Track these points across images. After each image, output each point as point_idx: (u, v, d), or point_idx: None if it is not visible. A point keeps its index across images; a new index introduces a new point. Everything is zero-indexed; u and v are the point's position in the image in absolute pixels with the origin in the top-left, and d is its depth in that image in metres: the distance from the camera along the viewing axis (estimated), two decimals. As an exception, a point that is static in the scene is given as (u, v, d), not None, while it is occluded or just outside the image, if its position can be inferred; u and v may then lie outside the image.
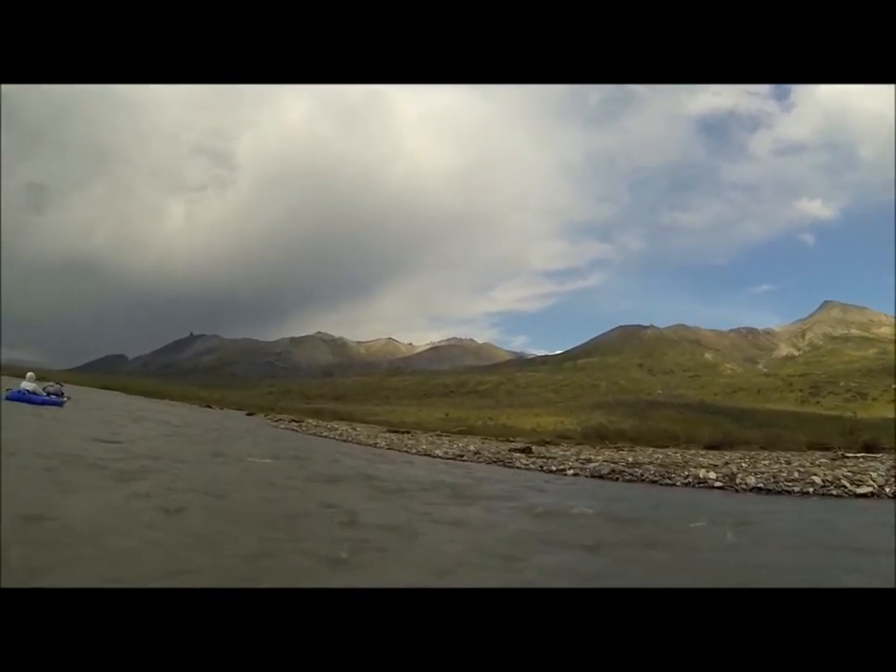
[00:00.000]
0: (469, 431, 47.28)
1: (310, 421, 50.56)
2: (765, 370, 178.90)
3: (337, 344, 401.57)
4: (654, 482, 15.89)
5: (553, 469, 19.16)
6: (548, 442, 34.73)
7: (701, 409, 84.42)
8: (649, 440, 38.84)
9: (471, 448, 27.08)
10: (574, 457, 23.13)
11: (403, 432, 40.22)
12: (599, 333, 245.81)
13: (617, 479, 16.63)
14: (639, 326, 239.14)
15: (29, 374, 27.20)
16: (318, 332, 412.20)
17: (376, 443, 28.67)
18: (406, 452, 24.84)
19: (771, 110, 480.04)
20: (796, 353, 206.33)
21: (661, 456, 24.76)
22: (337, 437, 31.60)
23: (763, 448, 30.75)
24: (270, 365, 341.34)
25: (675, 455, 26.31)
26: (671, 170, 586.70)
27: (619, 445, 33.82)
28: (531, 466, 20.34)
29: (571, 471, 18.27)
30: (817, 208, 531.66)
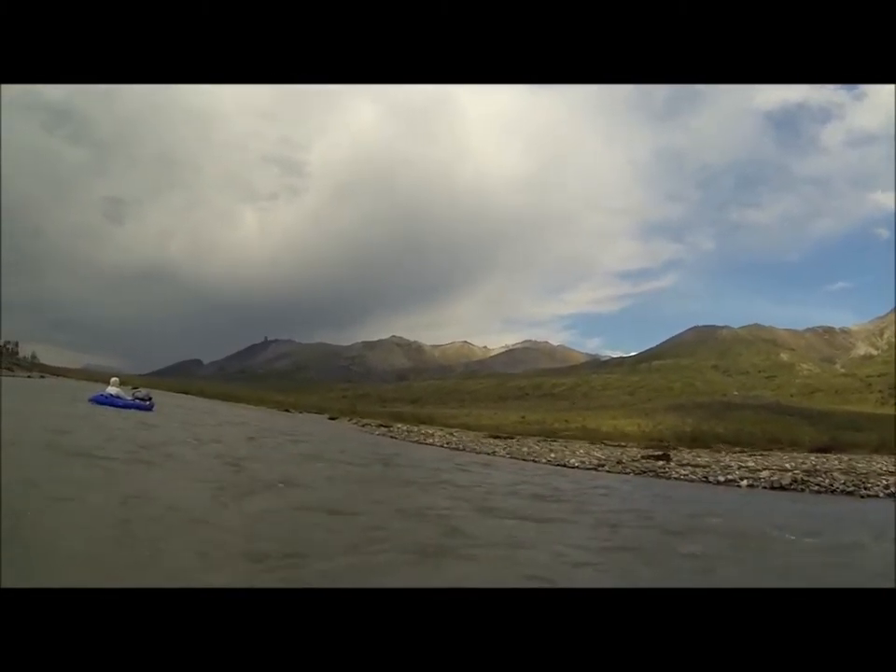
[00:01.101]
0: (554, 434, 44.56)
1: (399, 426, 48.24)
2: (843, 370, 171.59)
3: (412, 348, 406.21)
4: (849, 492, 14.59)
5: (721, 479, 17.29)
6: (669, 447, 31.94)
7: (778, 410, 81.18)
8: (748, 442, 38.30)
9: (599, 456, 23.95)
10: (736, 466, 20.42)
11: (506, 437, 37.58)
12: (673, 334, 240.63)
13: (802, 490, 15.22)
14: (713, 326, 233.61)
15: (113, 379, 28.21)
16: (393, 336, 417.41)
17: (494, 451, 25.80)
18: (534, 461, 22.01)
19: (842, 101, 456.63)
20: (875, 352, 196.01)
21: (813, 461, 23.87)
22: (445, 444, 29.16)
23: (874, 451, 30.69)
24: (344, 369, 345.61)
25: (830, 460, 25.07)
26: (739, 166, 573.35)
27: (718, 448, 33.49)
28: (692, 476, 17.90)
29: (744, 482, 16.56)
30: (892, 200, 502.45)
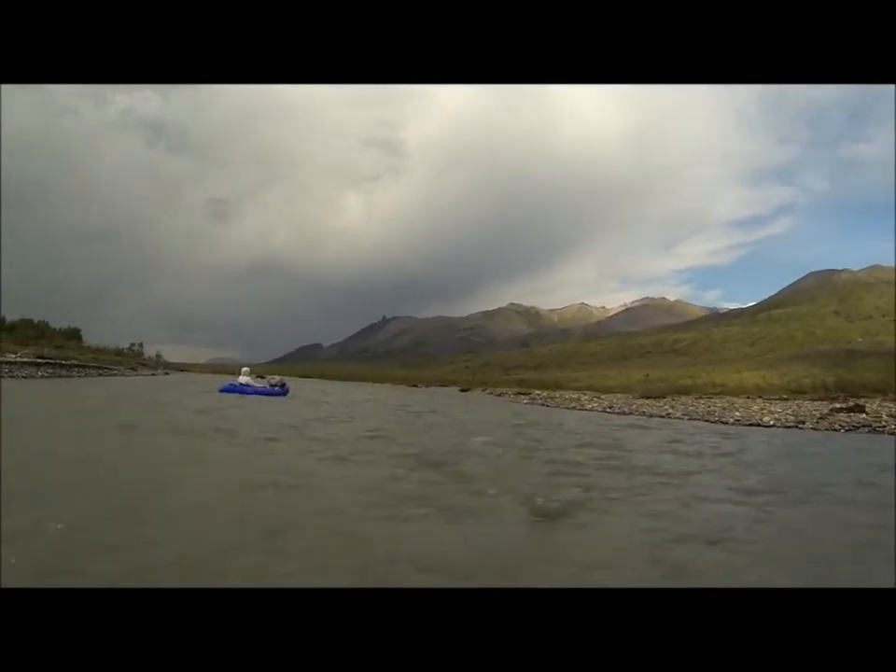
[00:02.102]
0: (684, 391, 41.89)
1: (538, 392, 46.99)
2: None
3: (530, 314, 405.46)
4: None
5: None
6: (854, 396, 29.18)
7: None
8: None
9: (787, 413, 21.77)
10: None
11: (658, 397, 35.47)
12: (791, 281, 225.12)
13: None
14: (832, 270, 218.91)
15: (244, 369, 30.90)
16: (510, 304, 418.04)
17: (668, 413, 24.03)
18: (721, 422, 20.25)
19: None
20: None
21: None
22: (606, 409, 27.56)
23: None
24: (464, 340, 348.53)
25: None
26: (847, 99, 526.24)
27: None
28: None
29: None
30: None
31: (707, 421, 21.14)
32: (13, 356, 35.45)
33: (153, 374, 62.27)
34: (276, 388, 29.31)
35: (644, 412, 25.35)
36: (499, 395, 50.03)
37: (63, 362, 39.92)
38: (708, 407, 26.24)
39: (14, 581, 3.62)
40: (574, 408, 29.90)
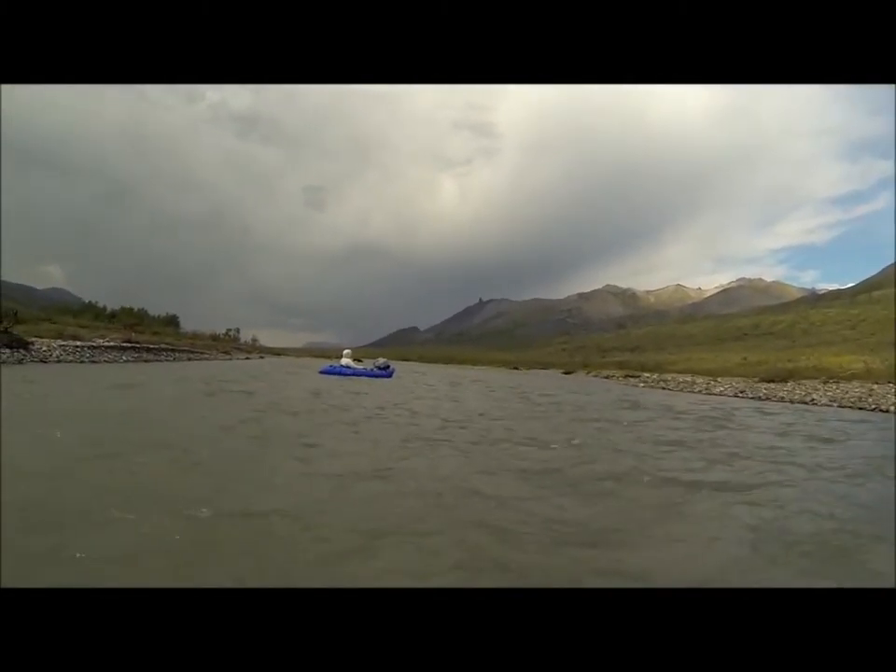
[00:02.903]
0: (789, 375, 38.49)
1: (646, 375, 44.81)
2: None
3: (626, 296, 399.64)
4: None
5: None
6: None
7: None
8: None
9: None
10: None
11: (780, 381, 32.76)
12: (893, 261, 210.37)
13: None
14: None
15: (346, 351, 31.55)
16: (606, 285, 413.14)
17: (812, 399, 21.74)
18: (881, 410, 18.10)
19: None
20: None
21: None
22: (739, 394, 25.43)
23: None
24: (561, 322, 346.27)
25: None
26: None
27: None
28: None
29: None
30: None
31: (860, 409, 18.95)
32: (101, 340, 34.82)
33: (247, 358, 61.85)
34: (381, 370, 29.11)
35: (782, 397, 23.15)
36: (606, 377, 48.11)
37: (152, 346, 39.20)
38: (845, 392, 23.57)
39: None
40: (698, 391, 27.88)
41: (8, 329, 25.65)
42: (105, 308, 70.99)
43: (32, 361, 23.62)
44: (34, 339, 27.46)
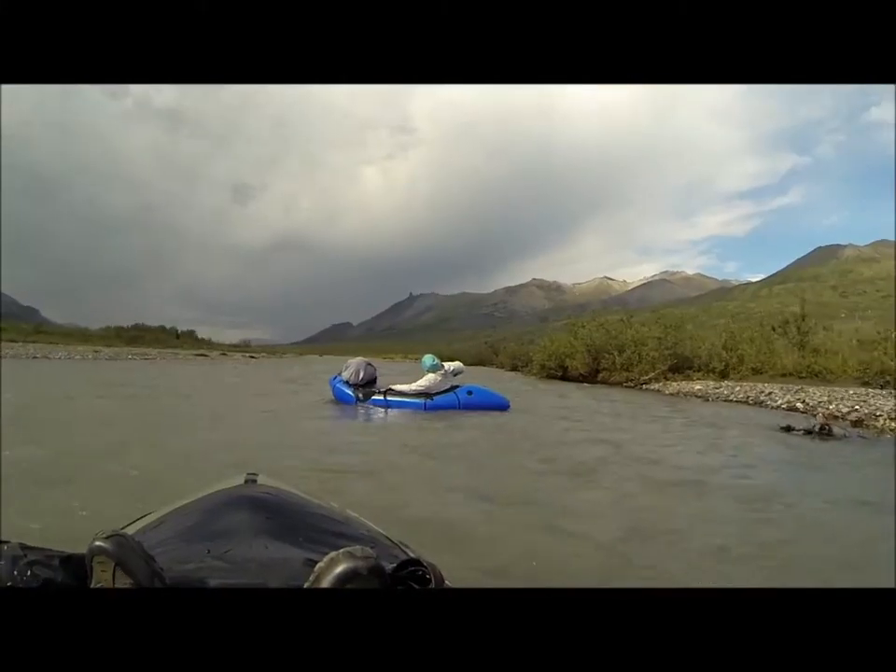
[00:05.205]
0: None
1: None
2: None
3: (552, 289, 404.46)
4: None
5: None
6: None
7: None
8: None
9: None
10: None
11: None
12: (802, 255, 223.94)
13: None
14: (837, 245, 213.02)
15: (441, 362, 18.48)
16: (533, 279, 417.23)
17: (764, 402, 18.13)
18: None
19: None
20: None
21: None
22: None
23: None
24: (488, 316, 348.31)
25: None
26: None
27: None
28: None
29: None
30: None
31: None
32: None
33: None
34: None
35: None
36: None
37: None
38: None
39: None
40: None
41: None
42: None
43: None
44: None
